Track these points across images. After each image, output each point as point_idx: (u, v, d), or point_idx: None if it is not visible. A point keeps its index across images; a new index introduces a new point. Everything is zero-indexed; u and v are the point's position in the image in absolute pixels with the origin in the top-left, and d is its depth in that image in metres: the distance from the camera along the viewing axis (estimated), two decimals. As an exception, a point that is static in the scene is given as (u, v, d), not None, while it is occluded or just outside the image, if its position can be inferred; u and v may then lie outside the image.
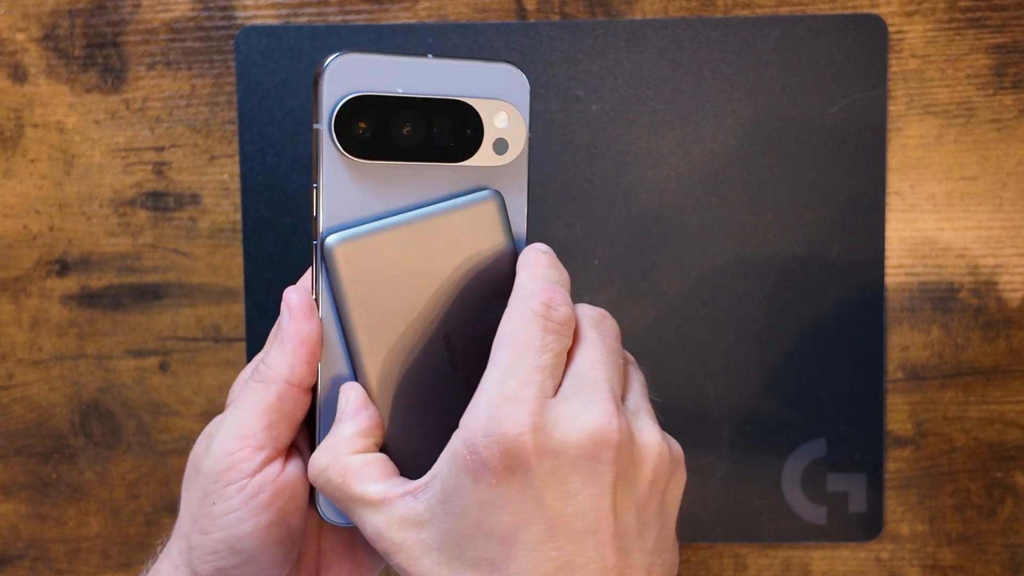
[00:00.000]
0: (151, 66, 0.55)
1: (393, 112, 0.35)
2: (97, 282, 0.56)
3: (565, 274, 0.35)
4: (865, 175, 0.54)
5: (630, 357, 0.36)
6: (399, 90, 0.35)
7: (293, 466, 0.35)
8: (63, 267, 0.55)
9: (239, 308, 0.55)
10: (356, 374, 0.35)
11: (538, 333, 0.32)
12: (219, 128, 0.55)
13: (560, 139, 0.54)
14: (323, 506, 0.36)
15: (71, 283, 0.56)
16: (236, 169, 0.55)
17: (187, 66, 0.55)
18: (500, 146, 0.36)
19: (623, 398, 0.33)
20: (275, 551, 0.35)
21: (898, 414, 0.56)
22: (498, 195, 0.36)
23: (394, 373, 0.35)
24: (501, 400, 0.31)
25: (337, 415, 0.34)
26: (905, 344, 0.56)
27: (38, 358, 0.56)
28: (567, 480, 0.30)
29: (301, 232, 0.54)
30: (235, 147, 0.55)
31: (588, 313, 0.34)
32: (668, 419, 0.55)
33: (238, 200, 0.55)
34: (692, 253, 0.55)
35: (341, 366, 0.36)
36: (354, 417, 0.34)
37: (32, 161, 0.55)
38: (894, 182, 0.55)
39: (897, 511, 0.56)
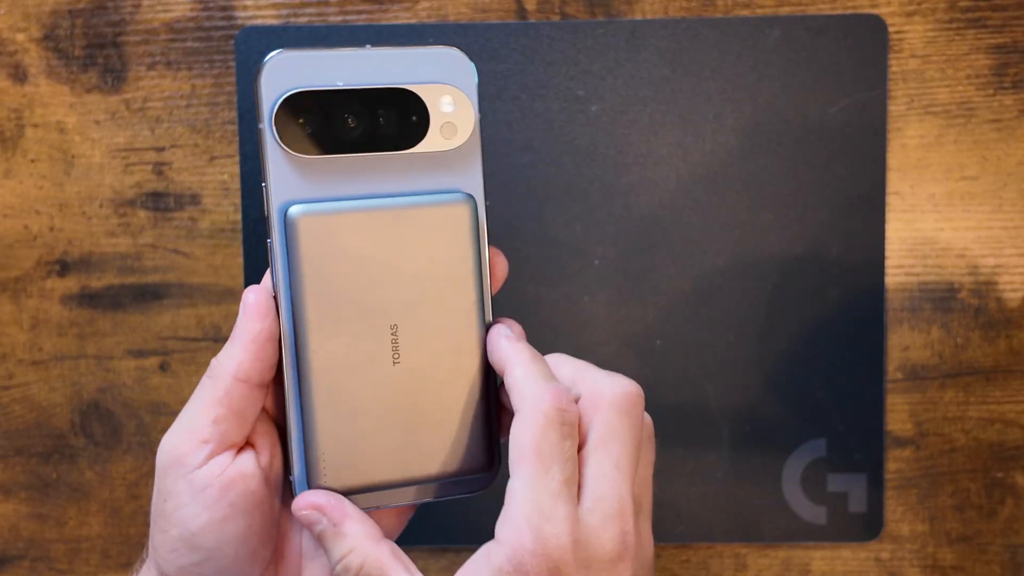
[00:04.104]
0: (151, 66, 0.55)
1: (333, 105, 0.35)
2: (97, 282, 0.56)
3: (542, 358, 0.36)
4: (865, 175, 0.54)
5: (648, 424, 0.36)
6: (339, 83, 0.35)
7: (244, 460, 0.35)
8: (63, 267, 0.55)
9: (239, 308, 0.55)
10: (298, 351, 0.35)
11: (557, 442, 0.33)
12: (219, 128, 0.55)
13: (560, 139, 0.54)
14: None
15: (71, 283, 0.56)
16: (236, 169, 0.55)
17: (187, 66, 0.55)
18: (448, 130, 0.36)
19: (636, 494, 0.35)
20: (237, 547, 0.35)
21: (898, 414, 0.56)
22: (471, 200, 0.36)
23: (338, 354, 0.35)
24: (541, 519, 0.32)
25: (330, 518, 0.35)
26: (905, 344, 0.56)
27: (38, 358, 0.56)
28: None
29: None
30: (235, 147, 0.55)
31: (609, 396, 0.35)
32: (668, 419, 0.55)
33: (238, 200, 0.55)
34: (692, 253, 0.55)
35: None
36: (358, 518, 0.35)
37: (32, 161, 0.55)
38: (894, 182, 0.55)
39: (897, 511, 0.56)
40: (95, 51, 0.55)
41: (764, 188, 0.54)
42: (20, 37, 0.55)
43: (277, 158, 0.35)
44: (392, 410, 0.36)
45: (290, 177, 0.35)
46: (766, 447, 0.55)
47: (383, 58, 0.35)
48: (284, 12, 0.54)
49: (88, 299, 0.56)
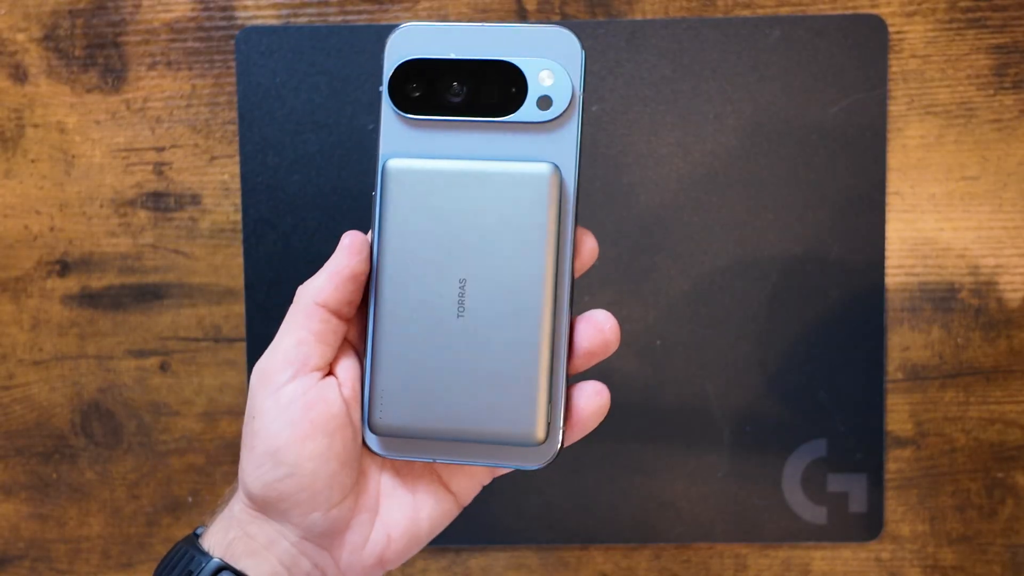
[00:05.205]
0: (151, 66, 0.55)
1: (442, 73, 0.38)
2: (98, 282, 0.56)
3: None
4: (865, 175, 0.54)
5: None
6: (452, 54, 0.38)
7: (327, 385, 0.37)
8: (64, 267, 0.56)
9: (239, 308, 0.55)
10: (376, 292, 0.38)
11: None
12: (219, 128, 0.55)
13: (560, 139, 0.54)
14: (368, 437, 0.38)
15: (72, 283, 0.56)
16: (236, 169, 0.55)
17: (187, 66, 0.55)
18: (544, 103, 0.38)
19: None
20: (317, 466, 0.36)
21: (898, 414, 0.56)
22: (555, 169, 0.38)
23: (406, 299, 0.38)
24: None
25: None
26: (905, 344, 0.56)
27: (39, 358, 0.56)
28: None
29: (301, 232, 0.54)
30: (235, 147, 0.55)
31: None
32: (668, 419, 0.55)
33: (238, 200, 0.55)
34: (692, 253, 0.55)
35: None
36: None
37: (33, 161, 0.55)
38: (894, 182, 0.55)
39: (898, 511, 0.56)
40: (95, 51, 0.55)
41: (764, 188, 0.54)
42: (20, 37, 0.55)
43: (389, 116, 0.38)
44: (450, 363, 0.38)
45: (398, 134, 0.38)
46: (766, 447, 0.55)
47: (495, 32, 0.38)
48: (284, 12, 0.54)
49: (88, 299, 0.56)
